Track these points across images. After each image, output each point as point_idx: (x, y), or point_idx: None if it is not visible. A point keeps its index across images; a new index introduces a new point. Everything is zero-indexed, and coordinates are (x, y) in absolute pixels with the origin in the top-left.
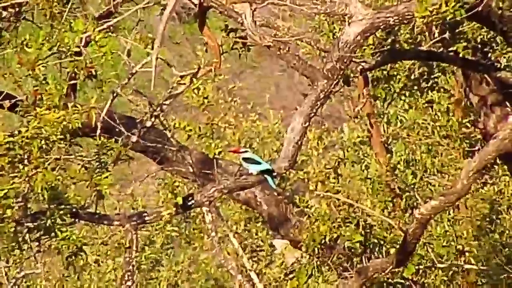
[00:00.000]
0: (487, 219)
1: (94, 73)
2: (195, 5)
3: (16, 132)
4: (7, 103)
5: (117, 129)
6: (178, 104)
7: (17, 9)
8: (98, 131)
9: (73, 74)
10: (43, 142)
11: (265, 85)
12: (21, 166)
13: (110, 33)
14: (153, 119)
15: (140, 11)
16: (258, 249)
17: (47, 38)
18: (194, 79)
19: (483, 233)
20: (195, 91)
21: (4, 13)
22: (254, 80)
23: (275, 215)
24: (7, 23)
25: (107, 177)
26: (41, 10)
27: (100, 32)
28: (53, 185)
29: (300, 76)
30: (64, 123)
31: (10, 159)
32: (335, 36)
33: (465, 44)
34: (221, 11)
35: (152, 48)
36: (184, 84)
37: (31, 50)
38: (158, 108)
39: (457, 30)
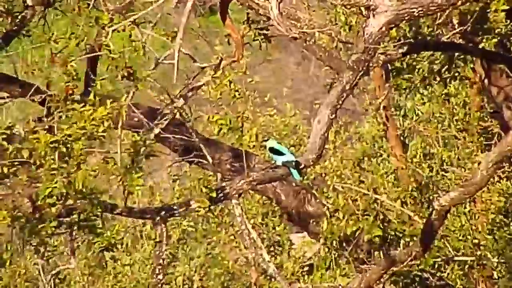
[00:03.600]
0: (503, 212)
1: (132, 72)
2: None
3: (47, 125)
4: (37, 98)
5: (137, 120)
6: (193, 98)
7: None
8: (120, 124)
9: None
10: (85, 140)
11: (280, 78)
12: (62, 164)
13: (134, 26)
14: (175, 111)
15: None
16: (275, 243)
17: (74, 33)
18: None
19: (498, 227)
20: (213, 84)
21: (29, 1)
22: (269, 73)
23: (294, 206)
24: (31, 12)
25: (139, 176)
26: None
27: (126, 25)
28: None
29: (315, 68)
30: (107, 120)
31: (52, 157)
32: (351, 29)
33: (496, 40)
34: (243, 3)
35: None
36: (210, 75)
37: (59, 45)
38: (181, 100)
39: (485, 25)
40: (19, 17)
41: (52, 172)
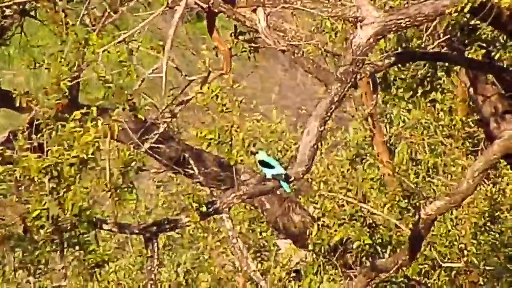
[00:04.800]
0: (487, 217)
1: (133, 104)
2: (203, 8)
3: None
4: (27, 118)
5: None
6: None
7: (20, 7)
8: (108, 141)
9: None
10: (75, 162)
11: (267, 85)
12: (51, 186)
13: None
14: (164, 124)
15: (143, 11)
16: (262, 249)
17: (64, 58)
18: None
19: (482, 231)
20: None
21: (8, 11)
22: (257, 80)
23: (278, 214)
24: (10, 21)
25: (131, 192)
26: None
27: (117, 44)
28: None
29: (302, 76)
30: (96, 140)
31: (41, 180)
32: (337, 35)
33: (484, 50)
34: (229, 16)
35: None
36: (197, 88)
37: (46, 61)
38: (168, 113)
39: (473, 35)
40: None
41: (42, 193)
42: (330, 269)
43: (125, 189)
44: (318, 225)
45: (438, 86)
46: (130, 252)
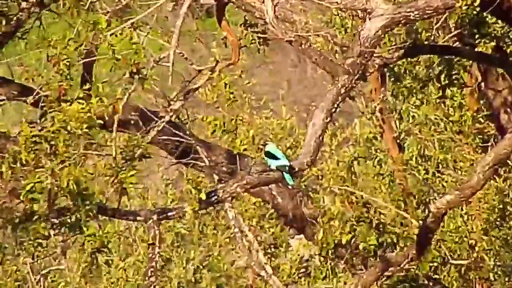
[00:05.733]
0: (497, 212)
1: (140, 68)
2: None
3: (40, 127)
4: (30, 99)
5: (133, 122)
6: (190, 100)
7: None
8: (115, 125)
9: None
10: (68, 136)
11: (277, 81)
12: (46, 161)
13: (131, 30)
14: (171, 113)
15: (153, 4)
16: (271, 245)
17: (72, 38)
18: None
19: (493, 227)
20: (209, 87)
21: (24, 4)
22: (266, 75)
23: (290, 208)
24: (26, 14)
25: (133, 175)
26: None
27: (124, 28)
28: (78, 180)
29: (312, 70)
30: (89, 115)
31: (36, 153)
32: (347, 31)
33: (493, 43)
34: (239, 6)
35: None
36: (207, 77)
37: (58, 50)
38: (177, 102)
39: (483, 29)
40: (14, 19)
41: (37, 169)
42: (340, 271)
43: (125, 170)
44: (323, 226)
45: (456, 81)
46: (137, 245)
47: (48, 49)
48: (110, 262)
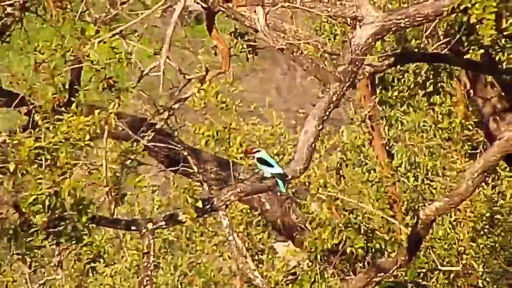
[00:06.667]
0: (486, 220)
1: (112, 83)
2: (204, 8)
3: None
4: (24, 109)
5: (123, 130)
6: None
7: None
8: (105, 135)
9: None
10: (70, 147)
11: (266, 88)
12: (48, 172)
13: (120, 37)
14: (162, 122)
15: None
16: (259, 252)
17: (60, 45)
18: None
19: (481, 234)
20: (197, 94)
21: (9, 9)
22: (256, 82)
23: (278, 215)
24: (12, 19)
25: (139, 181)
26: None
27: (113, 36)
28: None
29: (301, 78)
30: (93, 127)
31: (37, 165)
32: (336, 38)
33: (482, 51)
34: (229, 15)
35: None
36: (196, 86)
37: (44, 56)
38: (167, 111)
39: (472, 37)
40: None
41: (38, 180)
42: (328, 276)
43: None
44: (311, 232)
45: (441, 89)
46: (125, 252)
47: (35, 55)
48: (99, 270)
